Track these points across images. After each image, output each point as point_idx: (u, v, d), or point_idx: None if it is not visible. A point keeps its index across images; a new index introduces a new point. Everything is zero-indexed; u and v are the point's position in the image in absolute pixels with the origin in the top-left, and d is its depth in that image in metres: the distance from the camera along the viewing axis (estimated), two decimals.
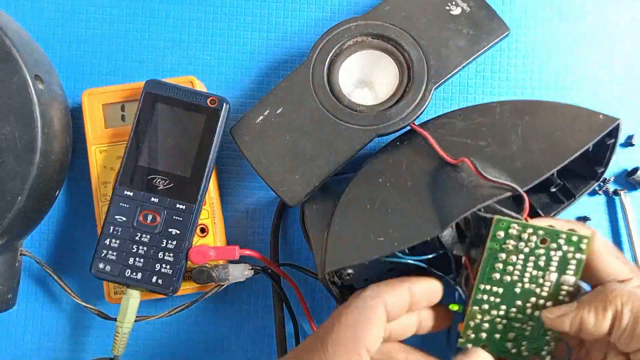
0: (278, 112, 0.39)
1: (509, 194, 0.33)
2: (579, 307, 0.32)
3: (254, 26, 0.46)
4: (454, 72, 0.39)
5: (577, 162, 0.35)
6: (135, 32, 0.46)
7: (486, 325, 0.34)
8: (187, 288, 0.42)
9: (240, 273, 0.41)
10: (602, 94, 0.45)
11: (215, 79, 0.46)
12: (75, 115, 0.44)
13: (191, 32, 0.46)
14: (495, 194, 0.32)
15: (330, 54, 0.40)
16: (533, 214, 0.39)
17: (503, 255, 0.33)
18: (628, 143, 0.45)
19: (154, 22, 0.46)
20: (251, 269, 0.42)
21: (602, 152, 0.38)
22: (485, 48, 0.39)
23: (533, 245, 0.33)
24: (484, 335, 0.35)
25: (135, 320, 0.41)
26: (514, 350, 0.35)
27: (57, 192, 0.43)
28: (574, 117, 0.35)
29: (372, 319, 0.32)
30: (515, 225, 0.32)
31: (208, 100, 0.40)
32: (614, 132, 0.36)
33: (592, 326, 0.31)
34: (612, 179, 0.44)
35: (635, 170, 0.44)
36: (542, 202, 0.41)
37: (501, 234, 0.33)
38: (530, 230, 0.33)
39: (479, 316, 0.34)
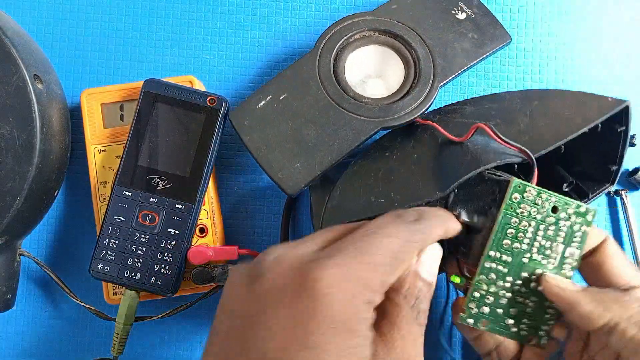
0: (281, 98, 0.39)
1: (515, 159, 0.32)
2: (585, 292, 0.32)
3: (254, 25, 0.46)
4: (458, 72, 0.39)
5: (590, 158, 0.35)
6: (134, 31, 0.46)
7: (490, 298, 0.34)
8: (186, 289, 0.41)
9: None
10: (602, 93, 0.45)
11: (215, 79, 0.45)
12: (74, 115, 0.44)
13: (190, 32, 0.46)
14: (500, 158, 0.32)
15: (338, 45, 0.40)
16: None
17: (516, 221, 0.33)
18: (630, 143, 0.44)
19: (152, 22, 0.46)
20: None
21: (614, 142, 0.37)
22: (488, 53, 0.40)
23: (545, 212, 0.33)
24: (486, 309, 0.34)
25: (135, 321, 0.41)
26: (513, 329, 0.34)
27: (56, 192, 0.42)
28: (583, 100, 0.36)
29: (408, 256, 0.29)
30: (532, 189, 0.32)
31: (207, 100, 0.40)
32: (625, 119, 0.36)
33: (584, 315, 0.31)
34: None
35: (636, 170, 0.44)
36: None
37: (517, 196, 0.32)
38: (544, 195, 0.32)
39: (485, 287, 0.33)
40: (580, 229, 0.33)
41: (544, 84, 0.45)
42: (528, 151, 0.32)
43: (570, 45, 0.46)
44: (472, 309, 0.34)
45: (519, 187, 0.32)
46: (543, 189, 0.32)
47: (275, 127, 0.39)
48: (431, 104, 0.39)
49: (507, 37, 0.40)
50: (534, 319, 0.34)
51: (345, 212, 0.35)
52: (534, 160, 0.32)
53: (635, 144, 0.44)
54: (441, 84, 0.39)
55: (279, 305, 0.26)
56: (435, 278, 0.31)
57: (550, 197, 0.32)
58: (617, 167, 0.39)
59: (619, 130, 0.37)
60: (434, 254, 0.31)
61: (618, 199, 0.44)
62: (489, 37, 0.40)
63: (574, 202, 0.33)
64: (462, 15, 0.40)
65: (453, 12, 0.41)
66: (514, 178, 0.32)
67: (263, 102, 0.39)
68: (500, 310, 0.34)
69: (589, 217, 0.33)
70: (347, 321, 0.26)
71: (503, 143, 0.33)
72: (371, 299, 0.27)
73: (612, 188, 0.40)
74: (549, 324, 0.34)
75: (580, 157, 0.34)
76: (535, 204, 0.32)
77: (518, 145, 0.33)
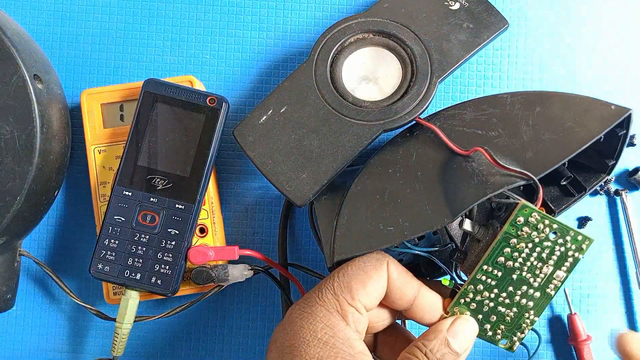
0: (282, 111, 0.39)
1: (521, 182, 0.32)
2: None
3: (254, 25, 0.46)
4: (456, 65, 0.39)
5: (588, 154, 0.35)
6: (135, 31, 0.46)
7: (474, 305, 0.35)
8: (186, 288, 0.41)
9: (239, 273, 0.41)
10: (601, 93, 0.45)
11: (215, 79, 0.45)
12: (74, 115, 0.44)
13: (190, 32, 0.46)
14: (507, 183, 0.32)
15: (333, 52, 0.40)
16: (544, 206, 0.39)
17: (515, 241, 0.33)
18: (629, 143, 0.44)
19: (153, 22, 0.46)
20: (251, 270, 0.41)
21: (613, 143, 0.38)
22: (486, 41, 0.39)
23: (544, 236, 0.33)
24: (468, 314, 0.35)
25: (135, 321, 0.41)
26: (490, 333, 0.36)
27: (56, 192, 0.42)
28: (585, 108, 0.35)
29: (371, 273, 0.33)
30: (536, 214, 0.33)
31: (207, 100, 0.40)
32: (626, 123, 0.36)
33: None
34: (613, 179, 0.44)
35: (636, 170, 0.44)
36: (553, 195, 0.41)
37: (521, 219, 0.33)
38: (547, 221, 0.33)
39: (471, 295, 0.35)
40: (573, 255, 0.34)
41: (544, 83, 0.45)
42: (532, 176, 0.32)
43: (570, 44, 0.46)
44: (456, 312, 0.35)
45: (526, 210, 0.33)
46: (547, 215, 0.33)
47: (279, 141, 0.39)
48: (430, 101, 0.38)
49: (504, 22, 0.40)
50: (511, 326, 0.36)
51: (355, 242, 0.35)
52: (539, 184, 0.32)
53: (635, 144, 0.44)
54: (439, 79, 0.39)
55: None
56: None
57: (553, 223, 0.33)
58: (614, 161, 0.39)
59: (619, 134, 0.37)
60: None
61: (618, 199, 0.44)
62: (485, 25, 0.39)
63: (573, 231, 0.33)
64: (456, 6, 0.40)
65: (446, 3, 0.40)
66: (522, 201, 0.33)
67: (265, 117, 0.39)
68: (480, 316, 0.35)
69: (584, 246, 0.34)
70: None
71: (504, 169, 0.33)
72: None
73: (609, 178, 0.40)
74: (525, 333, 0.36)
75: (579, 154, 0.34)
76: (537, 228, 0.33)
77: (520, 170, 0.33)
